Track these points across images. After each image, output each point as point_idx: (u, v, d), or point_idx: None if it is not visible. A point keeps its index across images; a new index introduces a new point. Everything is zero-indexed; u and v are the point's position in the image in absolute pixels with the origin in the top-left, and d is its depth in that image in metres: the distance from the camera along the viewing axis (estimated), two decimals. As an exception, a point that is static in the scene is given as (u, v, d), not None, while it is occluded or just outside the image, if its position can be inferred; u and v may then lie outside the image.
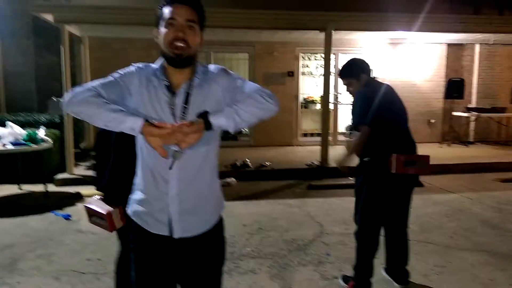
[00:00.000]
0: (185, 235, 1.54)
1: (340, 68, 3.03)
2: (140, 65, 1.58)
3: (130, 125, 1.38)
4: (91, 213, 2.28)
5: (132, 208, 1.61)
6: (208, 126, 1.40)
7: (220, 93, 1.52)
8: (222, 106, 1.47)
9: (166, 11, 1.48)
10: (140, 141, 1.54)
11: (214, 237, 1.62)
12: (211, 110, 1.45)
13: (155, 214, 1.54)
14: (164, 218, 1.53)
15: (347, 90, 3.06)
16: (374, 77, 3.02)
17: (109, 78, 1.52)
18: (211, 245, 1.61)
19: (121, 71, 1.55)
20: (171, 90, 1.51)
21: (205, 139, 1.46)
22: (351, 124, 2.95)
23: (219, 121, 1.41)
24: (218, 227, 1.64)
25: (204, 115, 1.41)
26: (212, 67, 1.60)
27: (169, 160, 1.44)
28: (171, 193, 1.50)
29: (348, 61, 3.03)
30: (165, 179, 1.50)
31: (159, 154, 1.39)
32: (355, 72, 2.96)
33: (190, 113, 1.48)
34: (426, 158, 2.82)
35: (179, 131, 1.36)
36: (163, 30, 1.48)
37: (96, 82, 1.48)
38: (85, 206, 2.33)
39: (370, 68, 2.99)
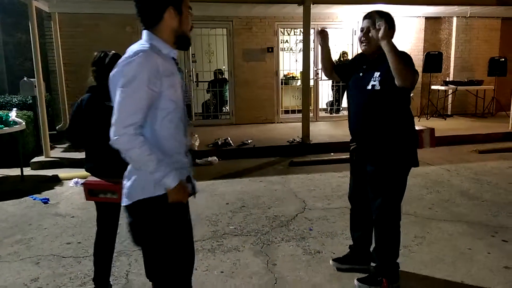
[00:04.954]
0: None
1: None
2: (151, 50, 1.60)
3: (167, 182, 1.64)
4: (99, 189, 2.27)
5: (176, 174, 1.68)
6: None
7: None
8: None
9: None
10: (166, 109, 1.65)
11: None
12: None
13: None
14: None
15: (363, 37, 2.49)
16: None
17: (143, 97, 1.55)
18: None
19: (151, 78, 1.56)
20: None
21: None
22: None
23: None
24: None
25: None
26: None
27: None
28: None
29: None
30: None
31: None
32: (393, 24, 2.40)
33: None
34: (432, 130, 2.86)
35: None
36: (186, 14, 1.72)
37: (139, 116, 1.57)
38: (88, 183, 2.31)
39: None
